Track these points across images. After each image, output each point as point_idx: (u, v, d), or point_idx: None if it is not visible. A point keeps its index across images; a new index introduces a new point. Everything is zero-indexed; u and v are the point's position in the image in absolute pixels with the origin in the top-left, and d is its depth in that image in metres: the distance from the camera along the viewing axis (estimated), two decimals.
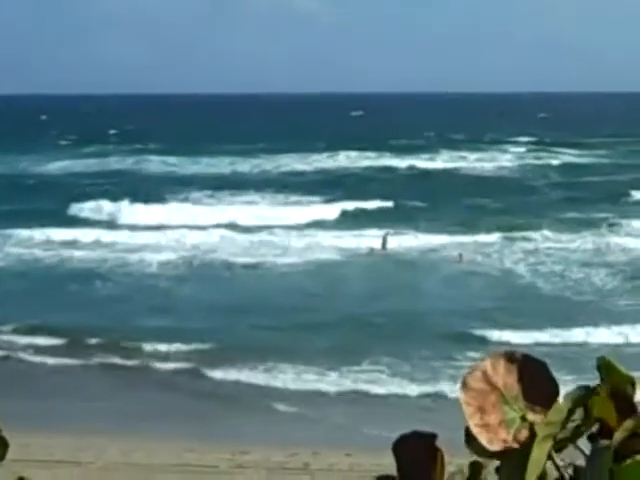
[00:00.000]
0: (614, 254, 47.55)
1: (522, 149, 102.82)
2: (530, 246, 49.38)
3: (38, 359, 29.90)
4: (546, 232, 52.37)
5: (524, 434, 1.39)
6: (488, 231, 52.72)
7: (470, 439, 1.40)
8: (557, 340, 30.31)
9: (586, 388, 1.38)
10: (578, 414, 1.39)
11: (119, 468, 19.87)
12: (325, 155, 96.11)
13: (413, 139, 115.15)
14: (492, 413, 1.40)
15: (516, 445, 1.38)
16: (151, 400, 25.76)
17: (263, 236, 52.99)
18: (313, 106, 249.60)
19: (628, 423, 1.36)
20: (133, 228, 55.00)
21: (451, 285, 41.26)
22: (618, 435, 1.35)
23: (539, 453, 1.35)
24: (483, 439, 1.39)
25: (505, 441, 1.39)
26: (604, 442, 1.35)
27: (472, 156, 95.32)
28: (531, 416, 1.39)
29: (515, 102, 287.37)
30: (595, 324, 32.70)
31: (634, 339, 31.28)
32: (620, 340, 31.13)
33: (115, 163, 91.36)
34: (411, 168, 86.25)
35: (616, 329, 32.12)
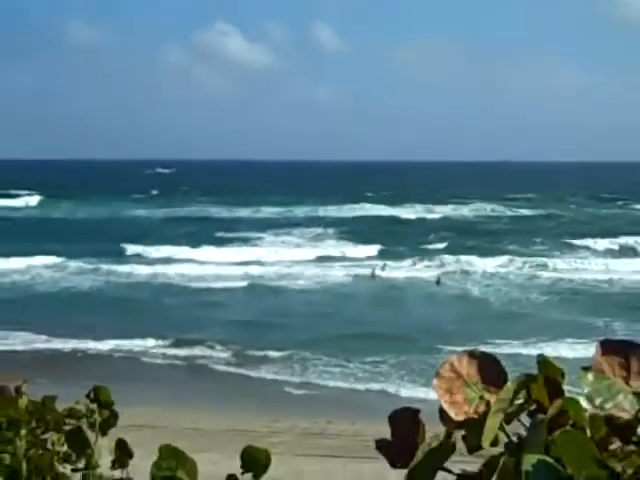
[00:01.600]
0: (545, 280, 47.89)
1: (485, 204, 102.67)
2: (487, 273, 49.65)
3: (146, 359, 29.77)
4: (495, 263, 52.69)
5: (481, 408, 1.40)
6: (456, 262, 53.04)
7: (442, 414, 1.42)
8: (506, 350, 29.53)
9: (528, 375, 1.39)
10: (522, 395, 1.40)
11: (187, 432, 19.84)
12: (347, 207, 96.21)
13: (401, 195, 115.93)
14: (458, 394, 1.41)
15: (476, 417, 1.39)
16: (210, 385, 25.83)
17: (299, 266, 53.13)
18: (329, 171, 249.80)
19: (558, 402, 1.36)
20: (202, 263, 54.67)
21: (426, 299, 41.58)
22: (550, 411, 1.35)
23: (492, 423, 1.35)
24: (451, 412, 1.40)
25: (467, 413, 1.40)
26: (540, 416, 1.36)
27: (440, 209, 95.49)
28: (487, 395, 1.40)
29: (478, 169, 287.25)
30: (533, 332, 32.57)
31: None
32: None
33: (186, 211, 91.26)
34: (398, 217, 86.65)
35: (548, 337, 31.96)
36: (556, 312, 37.67)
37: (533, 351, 28.09)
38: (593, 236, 66.50)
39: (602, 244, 63.71)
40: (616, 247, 62.93)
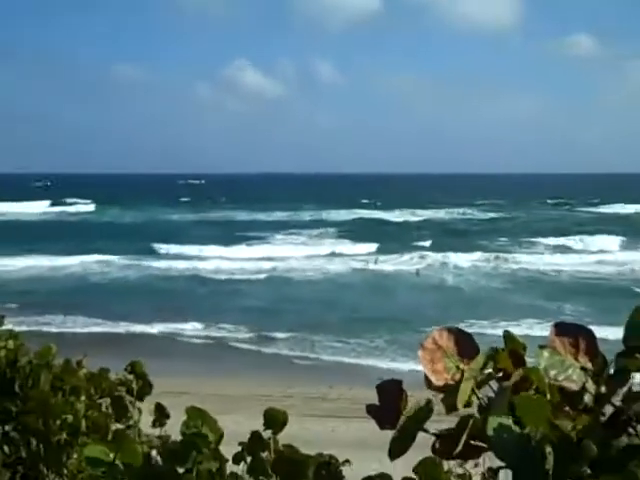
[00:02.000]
0: (507, 271, 47.80)
1: (458, 209, 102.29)
2: (460, 265, 49.54)
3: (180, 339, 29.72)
4: (467, 257, 52.54)
5: (457, 376, 1.41)
6: (435, 256, 52.91)
7: (426, 379, 1.43)
8: (476, 328, 29.35)
9: (494, 349, 1.40)
10: (490, 365, 1.41)
11: (214, 398, 19.82)
12: (345, 211, 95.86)
13: (390, 201, 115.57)
14: (438, 363, 1.42)
15: (452, 382, 1.40)
16: (234, 360, 25.76)
17: (305, 260, 53.01)
18: (329, 182, 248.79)
19: (519, 371, 1.37)
20: (230, 259, 54.62)
21: (411, 287, 41.42)
22: (513, 378, 1.36)
23: (465, 387, 1.36)
24: (433, 379, 1.41)
25: (446, 380, 1.41)
26: (504, 383, 1.37)
27: (422, 212, 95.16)
28: (462, 365, 1.41)
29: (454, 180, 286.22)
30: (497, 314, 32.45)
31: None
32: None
33: (213, 216, 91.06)
34: (388, 220, 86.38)
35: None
36: (516, 297, 37.60)
37: (498, 329, 27.99)
38: (545, 235, 66.45)
39: (553, 241, 63.66)
40: (564, 244, 62.84)
